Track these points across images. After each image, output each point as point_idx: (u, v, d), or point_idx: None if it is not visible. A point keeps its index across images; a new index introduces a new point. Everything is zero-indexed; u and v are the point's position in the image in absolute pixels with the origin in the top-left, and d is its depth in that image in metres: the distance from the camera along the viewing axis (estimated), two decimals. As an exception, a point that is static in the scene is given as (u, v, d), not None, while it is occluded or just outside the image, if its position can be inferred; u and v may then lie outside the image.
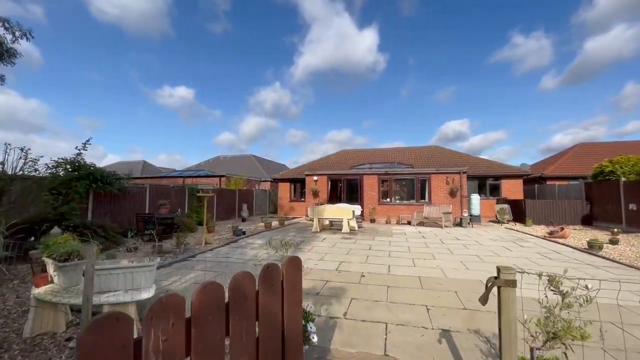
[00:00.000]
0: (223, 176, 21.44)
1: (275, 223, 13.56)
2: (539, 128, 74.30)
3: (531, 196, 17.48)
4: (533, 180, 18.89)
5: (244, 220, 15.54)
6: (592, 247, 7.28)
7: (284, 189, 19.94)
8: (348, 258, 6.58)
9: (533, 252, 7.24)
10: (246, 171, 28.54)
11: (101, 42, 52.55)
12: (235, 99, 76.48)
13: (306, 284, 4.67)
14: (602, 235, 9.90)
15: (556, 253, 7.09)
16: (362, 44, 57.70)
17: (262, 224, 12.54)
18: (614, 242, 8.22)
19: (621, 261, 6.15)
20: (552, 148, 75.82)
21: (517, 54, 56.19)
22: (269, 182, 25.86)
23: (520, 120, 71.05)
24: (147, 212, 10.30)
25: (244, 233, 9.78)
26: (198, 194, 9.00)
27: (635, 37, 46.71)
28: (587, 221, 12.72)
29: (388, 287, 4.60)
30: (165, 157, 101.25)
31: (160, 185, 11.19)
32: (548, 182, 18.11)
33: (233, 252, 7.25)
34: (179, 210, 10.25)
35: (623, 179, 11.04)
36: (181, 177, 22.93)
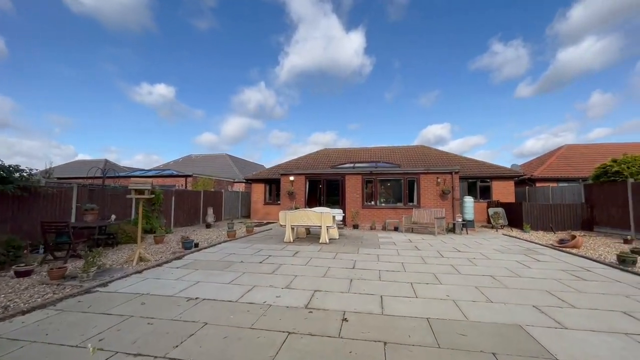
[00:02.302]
0: (190, 176, 19.16)
1: (242, 231, 11.59)
2: (515, 133, 76.11)
3: (522, 199, 16.51)
4: (522, 183, 18.00)
5: (208, 226, 13.43)
6: (625, 262, 5.93)
7: (258, 191, 17.95)
8: (325, 284, 4.82)
9: (557, 269, 5.78)
10: (219, 171, 26.25)
11: (75, 34, 47.71)
12: (218, 99, 73.00)
13: (252, 340, 2.83)
14: (612, 243, 8.76)
15: (586, 271, 5.66)
16: (349, 47, 56.55)
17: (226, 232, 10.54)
18: (636, 252, 6.96)
19: (674, 283, 4.78)
20: (525, 153, 77.95)
21: (496, 62, 57.21)
22: (244, 184, 23.72)
23: (498, 125, 72.55)
24: (73, 219, 8.08)
25: (196, 245, 7.78)
26: (128, 196, 6.91)
27: (603, 49, 48.95)
28: (588, 226, 11.68)
29: (385, 343, 2.87)
30: (142, 157, 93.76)
31: (94, 185, 8.97)
32: (537, 184, 17.24)
33: (169, 275, 5.30)
34: (113, 216, 8.09)
35: (631, 180, 10.00)
36: (143, 177, 20.36)
